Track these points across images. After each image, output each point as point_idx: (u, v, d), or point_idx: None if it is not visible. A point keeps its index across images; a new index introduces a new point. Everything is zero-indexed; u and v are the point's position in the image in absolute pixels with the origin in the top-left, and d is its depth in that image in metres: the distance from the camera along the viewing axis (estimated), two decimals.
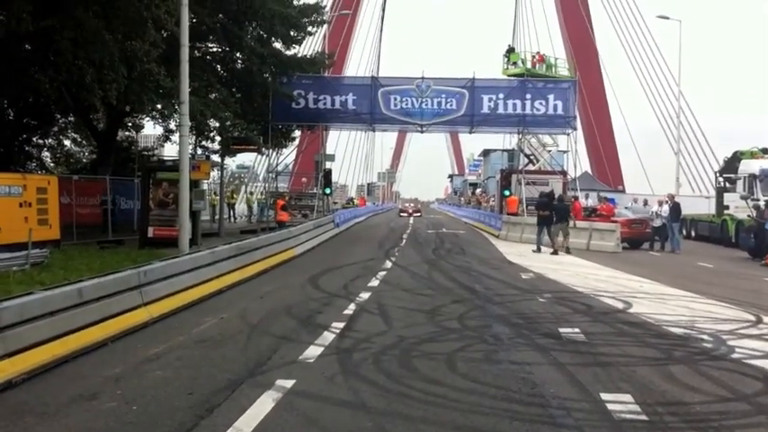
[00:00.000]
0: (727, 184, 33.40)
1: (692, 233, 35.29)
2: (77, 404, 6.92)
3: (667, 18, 45.99)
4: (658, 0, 59.71)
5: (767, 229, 23.55)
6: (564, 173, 41.44)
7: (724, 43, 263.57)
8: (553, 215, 25.80)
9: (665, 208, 28.24)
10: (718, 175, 36.95)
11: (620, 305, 13.39)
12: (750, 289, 16.58)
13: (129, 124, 33.22)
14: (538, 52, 45.82)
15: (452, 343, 9.75)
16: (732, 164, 33.15)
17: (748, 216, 26.75)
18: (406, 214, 71.28)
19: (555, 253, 24.63)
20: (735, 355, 9.26)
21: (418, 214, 71.87)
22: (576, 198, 35.69)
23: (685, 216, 31.41)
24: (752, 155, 31.54)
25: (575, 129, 39.68)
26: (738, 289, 16.41)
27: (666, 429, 6.32)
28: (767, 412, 6.87)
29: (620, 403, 6.92)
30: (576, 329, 10.74)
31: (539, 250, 25.25)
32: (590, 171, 63.76)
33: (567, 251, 24.93)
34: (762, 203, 25.97)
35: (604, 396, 7.15)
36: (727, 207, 31.89)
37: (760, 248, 23.70)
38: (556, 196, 28.84)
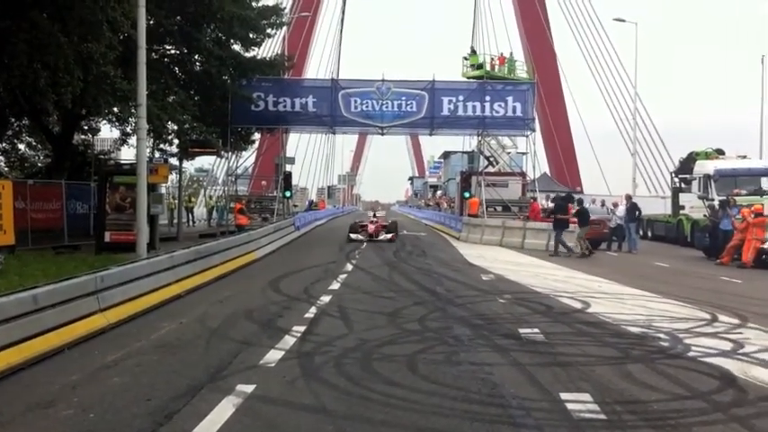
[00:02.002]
0: (683, 185, 33.96)
1: (649, 233, 35.83)
2: (33, 412, 6.80)
3: (624, 21, 46.67)
4: (615, 2, 59.82)
5: (721, 228, 23.99)
6: (523, 174, 41.80)
7: (680, 44, 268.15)
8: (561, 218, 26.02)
9: (621, 209, 28.63)
10: (673, 175, 37.56)
11: (578, 305, 13.55)
12: (706, 288, 16.87)
13: (86, 127, 32.64)
14: (501, 54, 46.18)
15: (413, 345, 9.78)
16: (687, 164, 33.71)
17: (704, 216, 27.21)
18: (361, 236, 31.24)
19: (585, 255, 24.75)
20: (691, 354, 9.41)
21: (388, 236, 31.28)
22: (535, 199, 36.03)
23: (642, 216, 31.82)
24: (706, 155, 32.11)
25: (533, 130, 40.01)
26: (694, 288, 16.70)
27: (625, 428, 6.40)
28: (723, 410, 6.99)
29: (580, 402, 7.00)
30: (536, 330, 10.84)
31: (557, 254, 25.25)
32: (549, 172, 64.41)
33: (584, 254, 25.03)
34: (716, 203, 26.43)
35: (564, 396, 7.23)
36: (683, 207, 32.40)
37: (714, 248, 24.12)
38: (575, 200, 28.90)
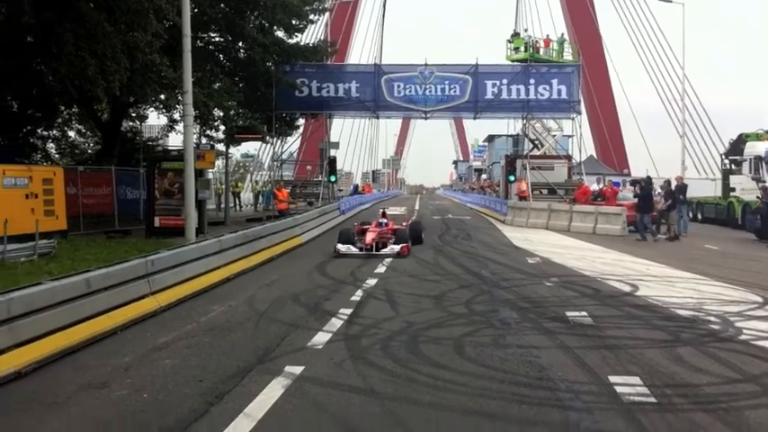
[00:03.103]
0: (733, 167, 33.33)
1: (699, 216, 35.23)
2: (87, 393, 6.95)
3: (670, 1, 45.72)
4: None
5: None
6: (569, 157, 41.36)
7: (730, 23, 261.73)
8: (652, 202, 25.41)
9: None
10: (723, 157, 36.87)
11: (627, 288, 13.40)
12: (757, 270, 16.57)
13: (134, 115, 33.23)
14: (547, 36, 45.68)
15: (460, 328, 9.78)
16: (737, 146, 33.08)
17: (756, 198, 26.65)
18: (355, 249, 18.99)
19: (674, 239, 24.41)
20: (742, 337, 9.27)
21: (396, 248, 18.71)
22: (583, 182, 35.61)
23: (691, 198, 31.28)
24: (757, 137, 31.44)
25: (579, 113, 39.57)
26: (745, 270, 16.41)
27: (675, 411, 6.32)
28: None
29: (629, 386, 6.94)
30: (584, 313, 10.74)
31: (644, 238, 24.47)
32: (595, 155, 63.60)
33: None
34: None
35: (613, 379, 7.18)
36: (734, 189, 31.83)
37: (766, 230, 23.64)
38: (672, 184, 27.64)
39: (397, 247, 18.66)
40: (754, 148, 30.25)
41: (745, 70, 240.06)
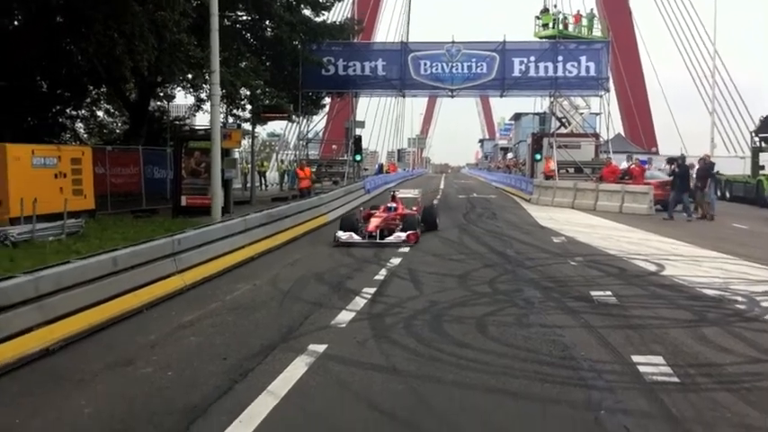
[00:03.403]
0: (763, 144, 32.86)
1: (727, 194, 34.82)
2: (113, 370, 7.06)
3: None
4: None
5: None
6: (596, 135, 40.97)
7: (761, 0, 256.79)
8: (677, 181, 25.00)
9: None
10: (753, 135, 36.35)
11: (652, 268, 13.31)
12: None
13: (161, 94, 33.46)
14: (578, 11, 45.18)
15: (483, 307, 9.78)
16: None
17: None
18: (357, 236, 17.06)
19: (705, 217, 24.17)
20: None
21: (403, 236, 16.93)
22: (611, 160, 35.23)
23: (720, 176, 30.87)
24: None
25: (607, 90, 39.13)
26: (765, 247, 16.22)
27: (698, 391, 6.30)
28: None
29: (652, 365, 6.93)
30: (608, 292, 10.70)
31: (690, 217, 24.25)
32: (623, 133, 62.96)
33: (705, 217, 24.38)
34: None
35: (636, 358, 7.16)
36: (763, 167, 31.42)
37: None
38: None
39: (403, 235, 16.82)
40: None
41: None
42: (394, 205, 19.04)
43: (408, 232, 16.98)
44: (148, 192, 26.42)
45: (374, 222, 17.32)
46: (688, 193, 24.55)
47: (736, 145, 50.41)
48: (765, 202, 29.64)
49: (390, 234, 17.11)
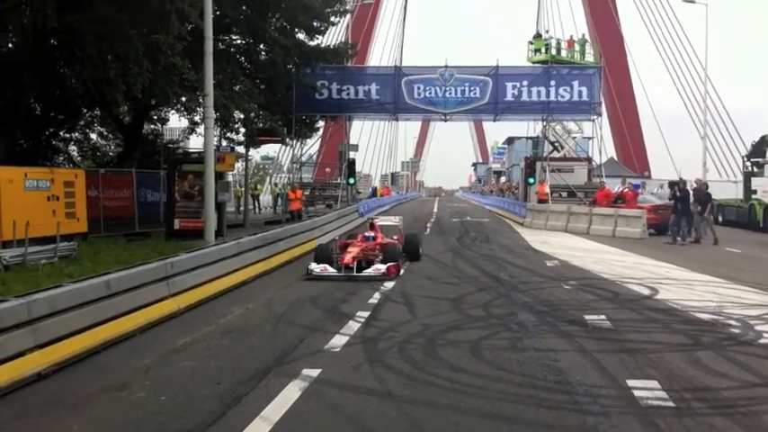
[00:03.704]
0: (755, 169, 33.03)
1: (720, 218, 34.89)
2: (107, 394, 7.02)
3: (693, 2, 45.36)
4: None
5: None
6: (589, 159, 41.13)
7: (752, 24, 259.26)
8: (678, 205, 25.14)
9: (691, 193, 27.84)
10: (745, 159, 36.53)
11: (646, 291, 13.33)
12: None
13: (155, 117, 33.44)
14: (571, 36, 45.53)
15: (477, 331, 9.77)
16: (760, 148, 32.81)
17: None
18: (332, 269, 15.38)
19: (698, 241, 24.40)
20: (762, 340, 9.21)
21: (382, 268, 15.21)
22: (604, 184, 35.31)
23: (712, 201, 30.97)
24: None
25: (600, 115, 39.31)
26: (766, 274, 16.25)
27: (694, 415, 6.29)
28: None
29: (647, 390, 6.92)
30: (602, 316, 10.71)
31: (698, 241, 24.60)
32: (616, 157, 63.25)
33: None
34: None
35: (631, 383, 7.15)
36: (755, 191, 31.53)
37: None
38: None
39: (382, 267, 15.11)
40: None
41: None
42: (372, 234, 17.25)
43: (389, 264, 15.27)
44: (141, 215, 26.35)
45: (351, 253, 15.66)
46: (686, 218, 24.62)
47: (728, 169, 50.72)
48: (758, 227, 29.73)
49: (369, 266, 15.44)
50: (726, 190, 39.39)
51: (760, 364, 7.91)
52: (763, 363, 7.99)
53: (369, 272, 15.10)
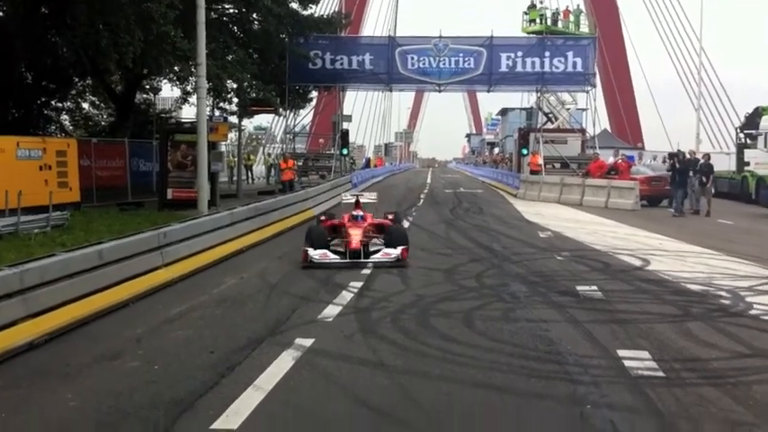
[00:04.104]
0: (748, 141, 33.02)
1: (712, 190, 34.91)
2: (99, 364, 7.04)
3: None
4: None
5: None
6: (583, 131, 41.09)
7: None
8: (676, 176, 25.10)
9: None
10: (738, 131, 36.52)
11: (638, 263, 13.38)
12: None
13: (147, 87, 33.23)
14: (567, 8, 45.28)
15: (470, 302, 9.82)
16: (753, 120, 32.72)
17: None
18: (335, 257, 13.25)
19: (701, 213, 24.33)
20: (753, 312, 9.26)
21: (392, 253, 13.19)
22: (598, 155, 35.27)
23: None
24: None
25: (594, 86, 39.23)
26: (758, 245, 16.33)
27: (683, 385, 6.33)
28: None
29: (638, 360, 6.96)
30: (594, 287, 10.76)
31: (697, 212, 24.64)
32: (609, 129, 63.17)
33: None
34: None
35: (621, 353, 7.19)
36: (748, 163, 31.55)
37: None
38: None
39: (393, 252, 13.16)
40: None
41: (764, 43, 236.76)
42: (361, 213, 14.48)
43: (401, 247, 13.24)
44: (134, 185, 26.24)
45: (355, 236, 13.44)
46: (683, 189, 24.64)
47: (722, 141, 50.71)
48: (749, 198, 29.79)
49: (371, 252, 13.42)
50: (719, 162, 39.34)
51: (750, 335, 7.96)
52: (753, 333, 8.04)
53: (378, 257, 13.21)
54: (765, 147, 29.44)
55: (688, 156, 27.00)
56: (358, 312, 9.12)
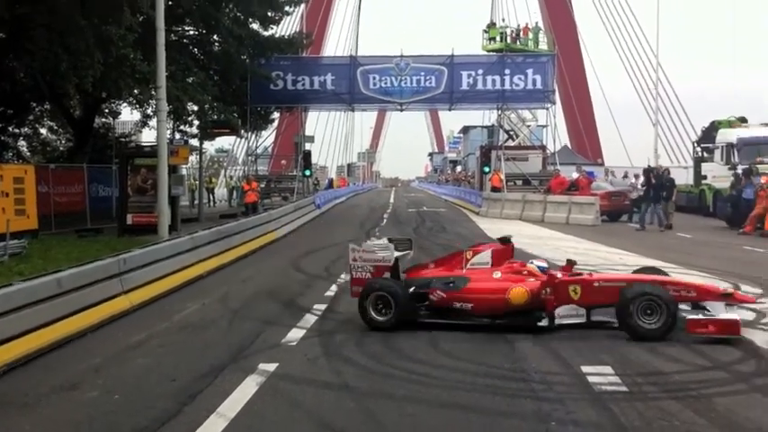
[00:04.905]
0: (705, 154, 33.58)
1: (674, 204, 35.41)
2: (58, 395, 6.90)
3: None
4: None
5: (744, 197, 23.70)
6: (543, 147, 41.50)
7: (705, 9, 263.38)
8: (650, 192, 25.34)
9: (642, 180, 28.28)
10: (695, 145, 37.11)
11: None
12: (728, 258, 16.73)
13: (106, 111, 32.84)
14: (526, 24, 45.84)
15: None
16: (709, 133, 33.32)
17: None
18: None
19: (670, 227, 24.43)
20: None
21: None
22: (558, 172, 35.62)
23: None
24: (729, 124, 31.66)
25: (553, 103, 39.69)
26: (716, 258, 16.56)
27: (646, 399, 6.39)
28: (745, 380, 6.99)
29: (601, 375, 7.03)
30: None
31: (667, 227, 24.63)
32: (569, 145, 63.85)
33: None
34: (739, 172, 26.08)
35: (585, 369, 7.26)
36: (705, 177, 32.06)
37: (737, 217, 23.86)
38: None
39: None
40: (726, 136, 30.48)
41: (719, 57, 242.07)
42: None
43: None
44: (93, 210, 25.86)
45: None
46: (659, 205, 24.91)
47: (679, 155, 51.41)
48: (708, 212, 30.25)
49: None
50: (676, 176, 39.91)
51: (711, 348, 8.05)
52: (714, 347, 8.11)
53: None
54: (722, 160, 30.01)
55: (663, 171, 27.29)
56: (322, 335, 9.07)
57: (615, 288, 8.88)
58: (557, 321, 8.98)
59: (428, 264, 10.56)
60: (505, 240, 10.55)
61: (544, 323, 8.98)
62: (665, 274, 10.01)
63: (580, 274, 9.65)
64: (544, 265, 10.11)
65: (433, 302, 9.36)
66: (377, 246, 10.12)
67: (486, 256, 9.87)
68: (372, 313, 9.15)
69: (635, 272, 10.22)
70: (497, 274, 9.47)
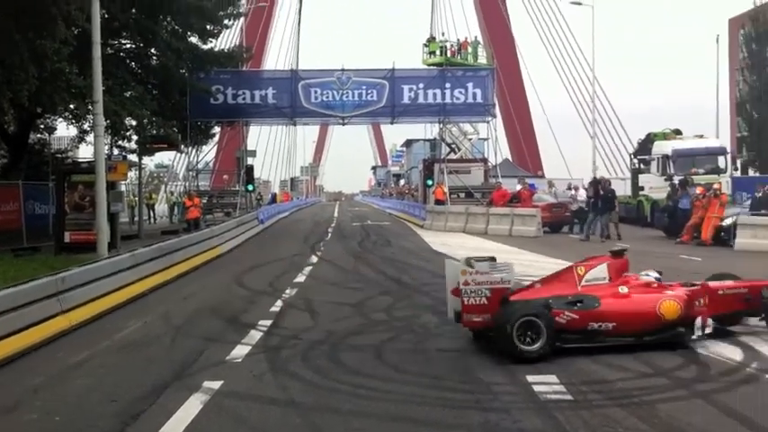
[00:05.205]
0: (642, 166, 34.31)
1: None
2: None
3: (580, 4, 46.74)
4: None
5: (680, 207, 24.27)
6: (485, 160, 41.99)
7: (639, 24, 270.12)
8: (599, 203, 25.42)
9: (582, 192, 28.78)
10: (632, 156, 37.89)
11: None
12: (666, 267, 16.92)
13: (42, 126, 32.13)
14: (465, 38, 46.31)
15: (381, 334, 9.80)
16: (646, 145, 34.03)
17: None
18: None
19: (616, 237, 24.37)
20: None
21: None
22: (500, 184, 35.99)
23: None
24: (664, 136, 32.44)
25: (494, 116, 40.24)
26: (655, 267, 16.84)
27: (591, 407, 6.47)
28: (686, 385, 7.14)
29: (546, 384, 7.09)
30: None
31: (610, 238, 24.49)
32: (510, 158, 64.70)
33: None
34: (676, 183, 26.71)
35: (530, 378, 7.30)
36: (642, 188, 32.74)
37: (674, 227, 24.40)
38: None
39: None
40: (661, 148, 31.19)
41: (653, 71, 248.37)
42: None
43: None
44: (30, 229, 25.24)
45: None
46: (606, 216, 25.26)
47: (617, 167, 52.46)
48: (646, 222, 30.88)
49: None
50: (615, 187, 40.71)
51: (653, 356, 8.17)
52: (657, 354, 8.23)
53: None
54: (658, 171, 30.69)
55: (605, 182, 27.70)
56: (267, 351, 8.97)
57: (739, 295, 9.09)
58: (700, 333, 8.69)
59: (533, 284, 9.85)
60: (619, 253, 9.98)
61: (697, 335, 8.64)
62: (739, 278, 10.02)
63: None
64: (657, 275, 9.89)
65: (561, 325, 8.36)
66: (492, 266, 9.18)
67: (602, 270, 9.40)
68: (518, 343, 8.03)
69: (709, 278, 10.18)
70: (624, 289, 8.98)
